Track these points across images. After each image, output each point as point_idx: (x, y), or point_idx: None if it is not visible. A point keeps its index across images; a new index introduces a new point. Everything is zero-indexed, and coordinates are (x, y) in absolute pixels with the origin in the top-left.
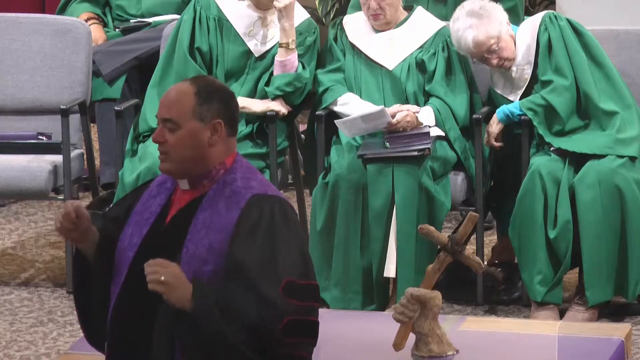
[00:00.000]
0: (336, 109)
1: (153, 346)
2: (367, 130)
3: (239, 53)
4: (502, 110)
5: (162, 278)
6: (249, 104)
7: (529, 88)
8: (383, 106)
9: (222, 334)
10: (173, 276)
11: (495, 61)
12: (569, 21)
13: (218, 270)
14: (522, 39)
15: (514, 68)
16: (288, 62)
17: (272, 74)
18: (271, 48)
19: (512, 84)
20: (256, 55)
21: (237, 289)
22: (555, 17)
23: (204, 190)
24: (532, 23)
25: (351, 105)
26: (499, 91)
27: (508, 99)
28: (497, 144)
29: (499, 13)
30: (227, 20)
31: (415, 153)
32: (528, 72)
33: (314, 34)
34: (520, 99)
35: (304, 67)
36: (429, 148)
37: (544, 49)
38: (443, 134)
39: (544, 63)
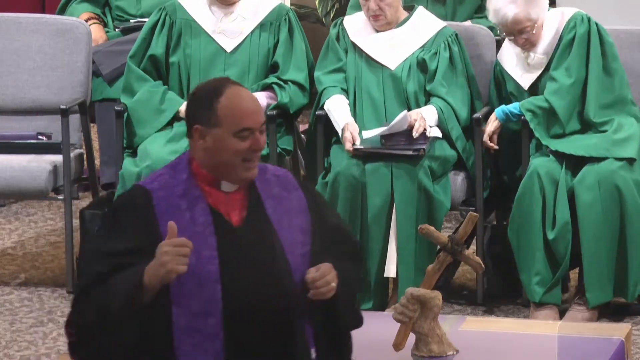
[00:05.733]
0: (326, 109)
1: (297, 344)
2: (385, 130)
3: (211, 52)
4: (502, 109)
5: (334, 284)
6: None
7: (539, 77)
8: (405, 111)
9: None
10: (335, 277)
11: (521, 42)
12: (597, 27)
13: (311, 247)
14: (547, 29)
15: (532, 54)
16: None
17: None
18: (242, 42)
19: (524, 69)
20: (227, 51)
21: (344, 254)
22: (588, 19)
23: (245, 185)
24: (560, 16)
25: (333, 113)
26: (507, 69)
27: (514, 80)
28: (491, 144)
29: (544, 1)
30: (194, 21)
31: (410, 152)
32: (544, 63)
33: (287, 23)
34: (529, 87)
35: (281, 88)
36: (423, 149)
37: (565, 45)
38: (440, 134)
39: (560, 58)
